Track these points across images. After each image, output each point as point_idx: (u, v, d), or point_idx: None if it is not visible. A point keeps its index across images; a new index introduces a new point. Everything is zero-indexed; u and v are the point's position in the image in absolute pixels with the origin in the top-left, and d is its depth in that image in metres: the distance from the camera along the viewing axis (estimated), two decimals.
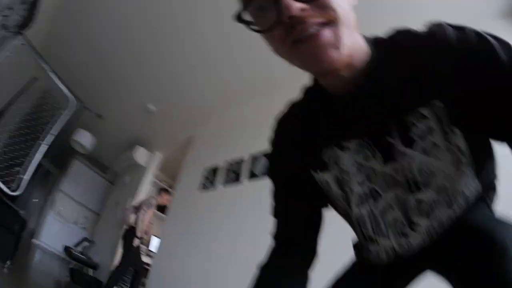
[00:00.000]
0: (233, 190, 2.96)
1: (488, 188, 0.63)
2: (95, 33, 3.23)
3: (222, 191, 3.07)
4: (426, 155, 0.56)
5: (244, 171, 2.91)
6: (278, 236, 0.70)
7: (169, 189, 4.99)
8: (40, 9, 2.60)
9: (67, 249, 4.57)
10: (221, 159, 3.26)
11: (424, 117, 0.54)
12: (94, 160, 5.63)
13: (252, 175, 2.80)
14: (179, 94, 3.65)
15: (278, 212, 0.71)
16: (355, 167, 0.61)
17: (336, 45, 0.48)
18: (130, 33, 3.11)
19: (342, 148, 0.61)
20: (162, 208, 5.06)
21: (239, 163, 3.01)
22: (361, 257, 0.74)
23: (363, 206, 0.64)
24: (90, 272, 4.29)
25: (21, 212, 3.22)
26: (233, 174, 3.00)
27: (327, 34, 0.47)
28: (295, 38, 0.47)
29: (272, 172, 0.74)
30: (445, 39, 0.51)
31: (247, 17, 0.50)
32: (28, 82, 3.28)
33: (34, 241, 4.85)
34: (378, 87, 0.55)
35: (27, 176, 2.97)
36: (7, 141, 3.13)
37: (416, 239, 0.62)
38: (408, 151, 0.56)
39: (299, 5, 0.45)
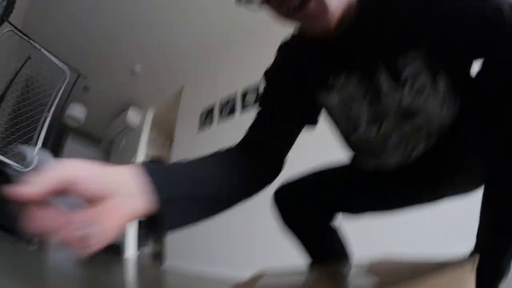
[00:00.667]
0: (228, 124, 3.30)
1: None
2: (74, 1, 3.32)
3: (218, 128, 3.41)
4: (415, 96, 0.60)
5: (237, 107, 3.26)
6: (252, 133, 0.68)
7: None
8: None
9: None
10: (213, 100, 3.59)
11: (413, 60, 0.57)
12: (85, 134, 5.70)
13: (244, 106, 3.16)
14: (163, 51, 3.84)
15: (263, 111, 0.70)
16: (362, 93, 0.64)
17: (323, 13, 0.53)
18: None
19: (349, 74, 0.64)
20: (161, 162, 5.46)
21: (230, 101, 3.37)
22: (361, 166, 0.78)
23: (369, 129, 0.68)
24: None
25: None
26: (227, 110, 3.36)
27: (312, 6, 0.52)
28: (289, 7, 0.53)
29: (271, 77, 0.74)
30: None
31: None
32: (22, 64, 3.37)
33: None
34: (367, 29, 0.59)
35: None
36: (9, 123, 3.15)
37: (418, 151, 0.67)
38: (397, 89, 0.60)
39: None
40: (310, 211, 0.79)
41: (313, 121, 0.74)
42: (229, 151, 0.60)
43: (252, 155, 0.61)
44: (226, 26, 3.44)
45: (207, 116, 3.63)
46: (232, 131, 3.20)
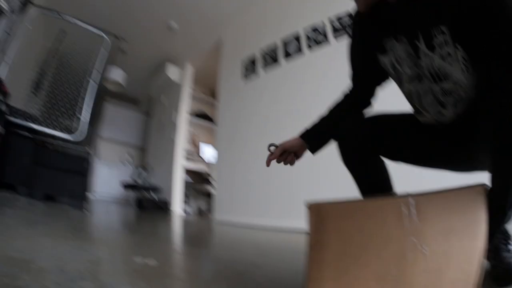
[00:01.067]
0: (274, 72, 3.25)
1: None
2: None
3: (264, 76, 3.37)
4: (442, 60, 0.74)
5: (280, 54, 3.20)
6: (352, 84, 1.05)
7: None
8: None
9: (127, 185, 4.83)
10: (255, 50, 3.52)
11: (443, 32, 0.71)
12: (124, 97, 5.85)
13: (287, 55, 3.11)
14: (198, 3, 3.75)
15: (352, 71, 1.04)
16: (406, 54, 0.81)
17: None
18: None
19: (397, 39, 0.82)
20: (204, 116, 5.49)
21: (272, 48, 3.31)
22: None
23: (411, 84, 0.85)
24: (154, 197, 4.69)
25: (86, 148, 3.10)
26: (270, 58, 3.32)
27: None
28: None
29: (351, 47, 1.02)
30: None
31: None
32: (56, 38, 3.37)
33: (90, 195, 4.88)
34: (411, 4, 0.75)
35: (84, 117, 3.09)
36: (49, 96, 3.15)
37: (448, 112, 0.81)
38: (430, 53, 0.75)
39: None
40: (366, 147, 0.94)
41: (385, 77, 0.98)
42: (343, 100, 1.04)
43: (353, 98, 1.03)
44: None
45: (250, 66, 3.59)
46: (278, 79, 3.19)
